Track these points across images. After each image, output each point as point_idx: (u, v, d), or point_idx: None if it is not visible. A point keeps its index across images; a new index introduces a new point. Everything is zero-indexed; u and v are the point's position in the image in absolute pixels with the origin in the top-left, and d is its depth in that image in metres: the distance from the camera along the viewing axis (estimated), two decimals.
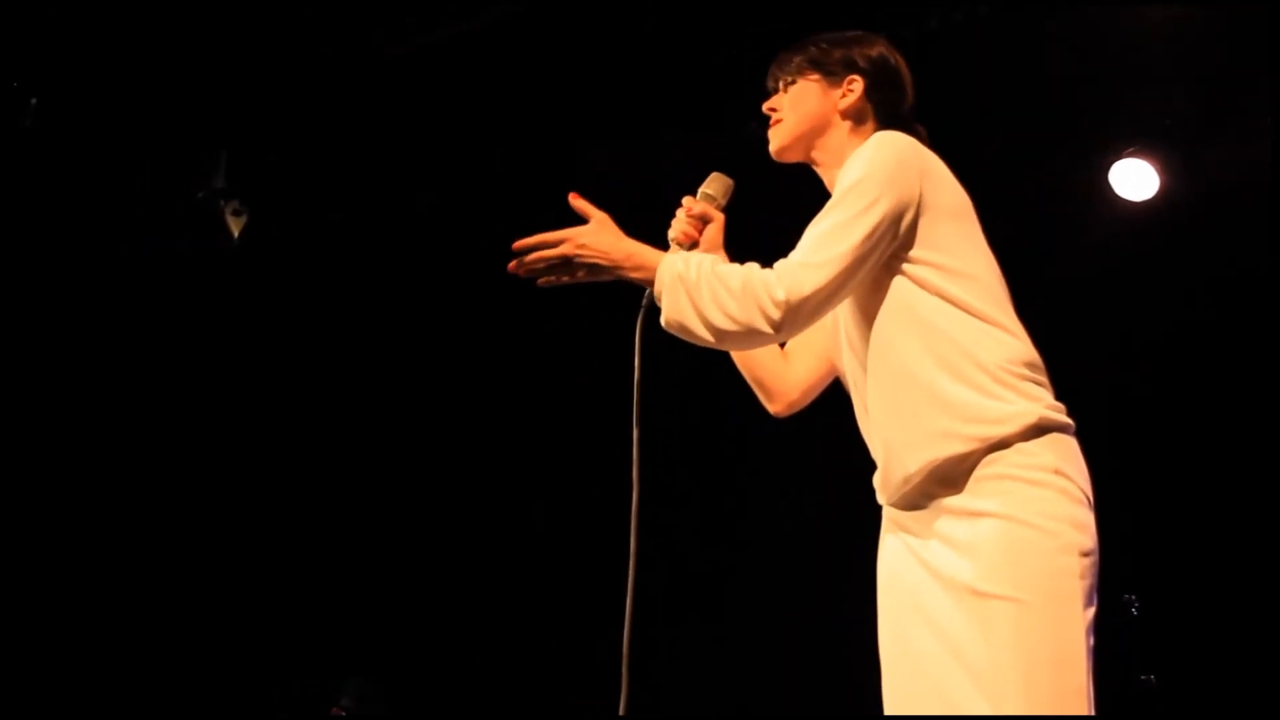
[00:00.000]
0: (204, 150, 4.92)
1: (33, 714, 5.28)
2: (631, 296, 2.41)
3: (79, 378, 5.68)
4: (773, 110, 2.54)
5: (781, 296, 2.20)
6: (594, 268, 2.33)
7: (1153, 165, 5.08)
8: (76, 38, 4.18)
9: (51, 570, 5.49)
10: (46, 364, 5.57)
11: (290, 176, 5.17)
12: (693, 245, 2.53)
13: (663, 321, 2.29)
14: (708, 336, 2.25)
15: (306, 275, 5.94)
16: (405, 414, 6.30)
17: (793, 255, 2.28)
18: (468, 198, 5.53)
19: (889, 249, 2.28)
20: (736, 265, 2.30)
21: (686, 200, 2.56)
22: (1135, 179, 5.11)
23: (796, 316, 2.23)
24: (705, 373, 5.32)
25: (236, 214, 4.82)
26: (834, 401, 2.57)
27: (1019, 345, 2.28)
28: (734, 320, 2.22)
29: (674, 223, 2.55)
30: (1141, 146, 5.08)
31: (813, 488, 5.60)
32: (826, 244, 2.24)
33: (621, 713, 2.33)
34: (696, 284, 2.24)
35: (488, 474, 6.25)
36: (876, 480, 2.38)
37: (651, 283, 2.30)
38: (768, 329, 2.22)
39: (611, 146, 5.11)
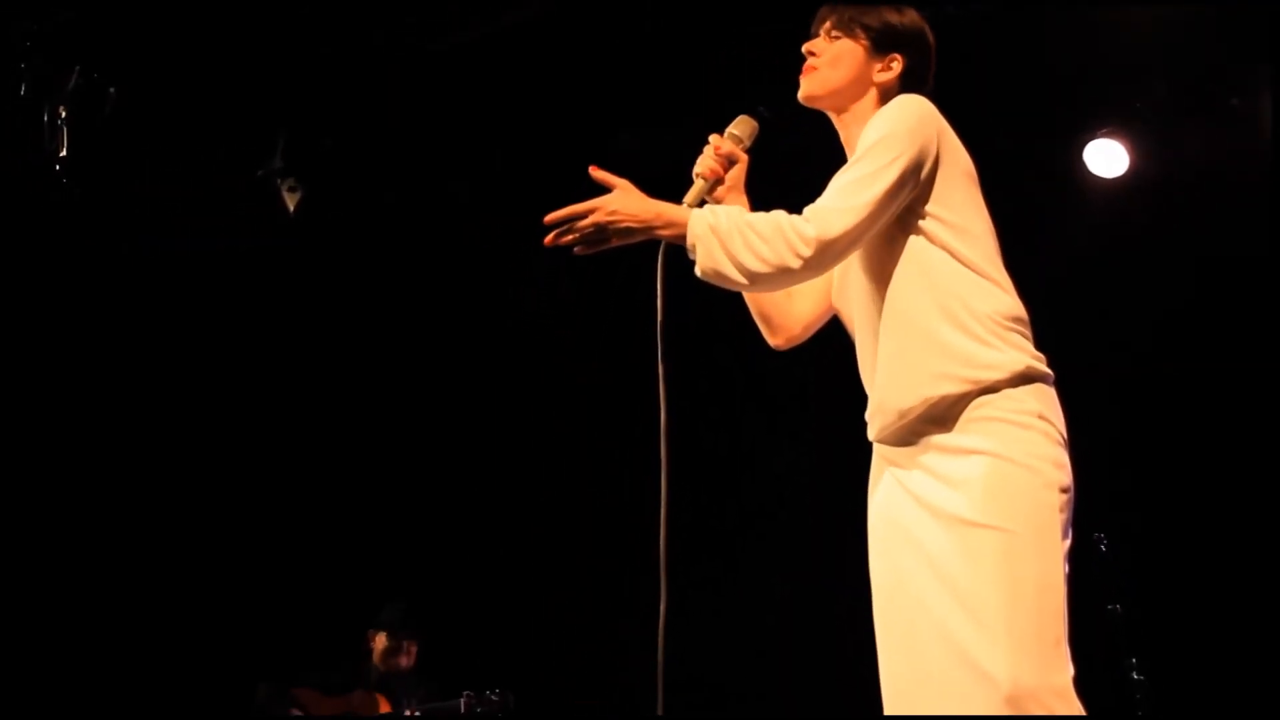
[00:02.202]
0: (263, 133, 4.91)
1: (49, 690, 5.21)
2: (631, 299, 2.37)
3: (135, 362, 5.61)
4: (812, 54, 2.46)
5: (812, 234, 2.19)
6: (625, 231, 2.27)
7: (1124, 145, 5.11)
8: (150, 35, 4.19)
9: (69, 561, 5.38)
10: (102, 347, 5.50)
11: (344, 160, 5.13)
12: (717, 182, 2.48)
13: (698, 272, 2.25)
14: (742, 280, 2.22)
15: (309, 270, 5.80)
16: (407, 412, 6.18)
17: (822, 200, 2.26)
18: (501, 185, 5.40)
19: (907, 200, 2.28)
20: (763, 213, 2.25)
21: (714, 139, 2.50)
22: (1107, 158, 5.13)
23: (825, 256, 2.22)
24: (705, 355, 5.37)
25: (292, 191, 4.84)
26: (830, 384, 2.59)
27: (1009, 300, 2.30)
28: (766, 262, 2.19)
29: (700, 159, 2.48)
30: (1114, 128, 5.10)
31: (810, 474, 5.52)
32: (855, 191, 2.23)
33: (659, 712, 2.29)
34: (729, 233, 2.20)
35: (487, 475, 6.12)
36: (869, 415, 2.38)
37: (683, 238, 2.25)
38: (799, 267, 2.20)
39: (641, 134, 5.02)
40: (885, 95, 2.44)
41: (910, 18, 2.48)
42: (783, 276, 2.23)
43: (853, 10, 2.46)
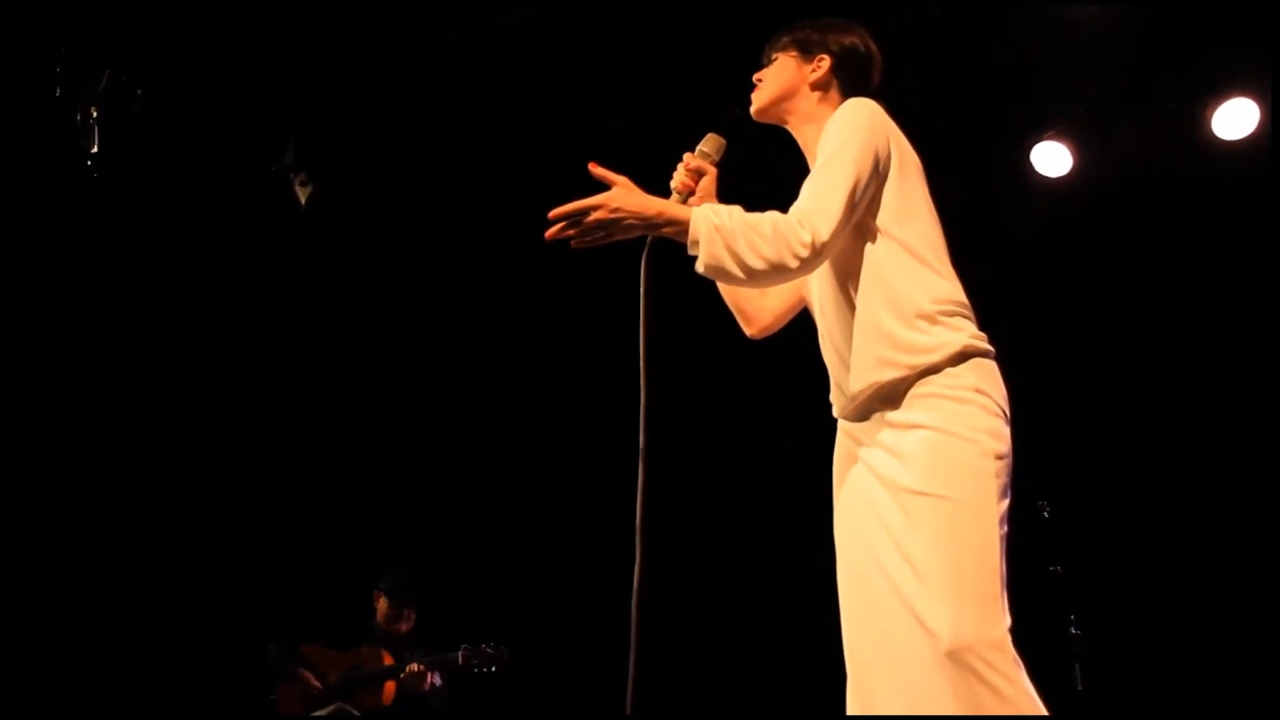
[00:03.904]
0: (276, 130, 4.87)
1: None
2: (630, 299, 2.37)
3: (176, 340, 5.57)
4: (759, 79, 2.59)
5: (808, 239, 2.22)
6: (627, 227, 2.25)
7: (1067, 147, 5.15)
8: (174, 40, 4.19)
9: (92, 534, 5.33)
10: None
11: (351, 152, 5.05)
12: (690, 194, 2.53)
13: (700, 267, 2.24)
14: (741, 276, 2.23)
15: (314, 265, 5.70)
16: (412, 404, 6.08)
17: (804, 204, 2.28)
18: (502, 184, 5.29)
19: (874, 192, 2.33)
20: (760, 214, 2.26)
21: (686, 156, 2.57)
22: (1053, 159, 5.17)
23: (819, 257, 2.26)
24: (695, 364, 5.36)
25: (304, 185, 4.82)
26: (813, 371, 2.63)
27: (949, 286, 2.37)
28: (767, 261, 2.21)
29: (675, 174, 2.54)
30: (1058, 131, 5.14)
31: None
32: (831, 193, 2.27)
33: (629, 711, 2.24)
34: (733, 232, 2.21)
35: (487, 456, 6.02)
36: (832, 396, 2.46)
37: (684, 235, 2.24)
38: (795, 266, 2.23)
39: (627, 123, 4.97)
40: (824, 92, 2.55)
41: (839, 24, 2.60)
42: (779, 274, 2.25)
43: (785, 36, 2.60)
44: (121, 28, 3.85)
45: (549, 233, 2.26)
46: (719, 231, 2.22)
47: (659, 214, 2.26)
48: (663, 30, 4.68)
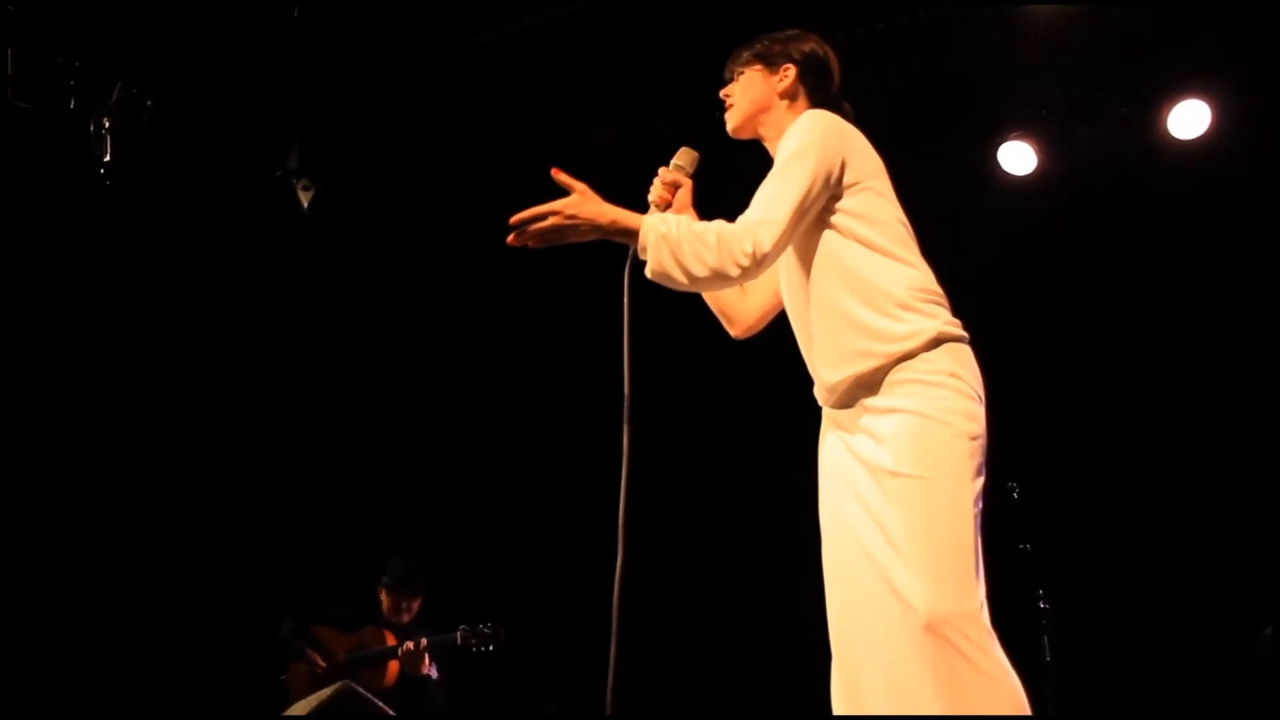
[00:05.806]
0: (280, 135, 4.86)
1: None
2: (619, 296, 2.43)
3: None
4: (727, 96, 2.61)
5: (750, 249, 2.25)
6: (581, 232, 2.29)
7: (1032, 146, 5.16)
8: (182, 52, 4.21)
9: (130, 513, 5.36)
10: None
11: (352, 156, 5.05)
12: (667, 206, 2.55)
13: (648, 273, 2.30)
14: (685, 282, 2.28)
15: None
16: (417, 394, 6.07)
17: (750, 213, 2.31)
18: (494, 178, 5.27)
19: (823, 203, 2.36)
20: (707, 223, 2.31)
21: (661, 170, 2.59)
22: (1018, 158, 5.19)
23: (760, 266, 2.29)
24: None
25: (306, 190, 4.82)
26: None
27: (920, 275, 2.39)
28: (709, 268, 2.25)
29: (651, 189, 2.57)
30: (1024, 131, 5.14)
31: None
32: (777, 205, 2.29)
33: (609, 712, 2.26)
34: (678, 242, 2.25)
35: (486, 464, 5.99)
36: (815, 389, 2.50)
37: (635, 241, 2.29)
38: (736, 275, 2.28)
39: (612, 131, 4.98)
40: (792, 101, 2.56)
41: (795, 34, 2.61)
42: (720, 281, 2.30)
43: (746, 50, 2.61)
44: (132, 42, 3.85)
45: (509, 238, 2.30)
46: (665, 240, 2.26)
47: (612, 222, 2.30)
48: (647, 40, 4.69)
